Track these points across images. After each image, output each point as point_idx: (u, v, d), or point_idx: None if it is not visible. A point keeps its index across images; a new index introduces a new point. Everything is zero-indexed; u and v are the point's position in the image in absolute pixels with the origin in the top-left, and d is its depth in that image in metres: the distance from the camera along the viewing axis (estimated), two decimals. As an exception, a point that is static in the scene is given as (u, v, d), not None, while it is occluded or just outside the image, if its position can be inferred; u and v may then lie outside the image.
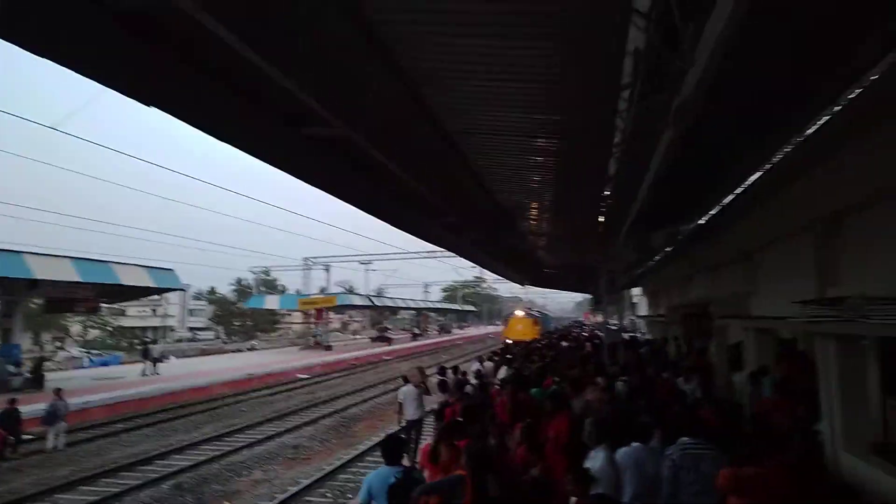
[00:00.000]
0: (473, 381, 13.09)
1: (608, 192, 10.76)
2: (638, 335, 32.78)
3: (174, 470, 13.01)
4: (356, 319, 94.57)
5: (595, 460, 4.99)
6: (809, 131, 8.68)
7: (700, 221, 14.48)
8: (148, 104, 5.82)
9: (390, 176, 9.78)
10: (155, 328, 76.06)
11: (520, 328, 41.22)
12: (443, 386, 11.63)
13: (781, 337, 11.92)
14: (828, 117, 8.30)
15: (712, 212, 14.19)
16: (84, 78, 5.24)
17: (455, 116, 8.07)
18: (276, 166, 8.60)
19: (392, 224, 13.85)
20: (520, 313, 45.84)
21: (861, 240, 7.72)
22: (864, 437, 6.58)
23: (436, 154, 9.57)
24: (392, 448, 5.29)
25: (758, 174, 11.00)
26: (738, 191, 12.10)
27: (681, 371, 12.03)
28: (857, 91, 7.21)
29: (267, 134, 7.72)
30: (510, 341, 32.82)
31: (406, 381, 12.93)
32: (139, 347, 40.77)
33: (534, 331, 40.39)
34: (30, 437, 15.57)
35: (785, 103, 7.44)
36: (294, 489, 11.59)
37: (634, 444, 5.36)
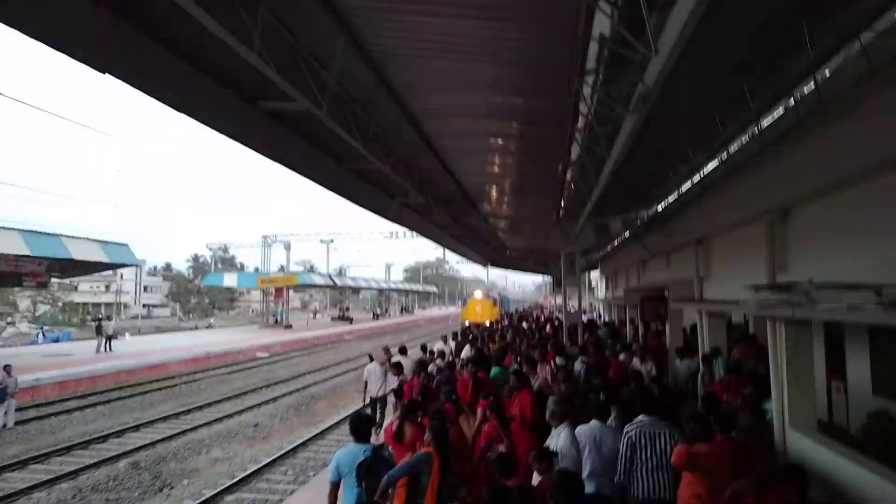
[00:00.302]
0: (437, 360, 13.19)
1: (570, 177, 10.91)
2: (595, 317, 33.45)
3: (130, 448, 12.80)
4: (316, 299, 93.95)
5: (557, 438, 5.14)
6: (764, 124, 9.01)
7: (657, 208, 14.86)
8: (104, 71, 5.65)
9: (353, 154, 9.73)
10: (108, 304, 74.06)
11: (478, 310, 39.38)
12: (397, 368, 11.67)
13: (732, 320, 12.39)
14: (781, 112, 8.64)
15: (669, 199, 14.57)
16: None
17: (418, 96, 8.10)
18: (234, 139, 8.46)
19: (354, 202, 13.79)
20: (479, 295, 43.11)
21: (809, 229, 8.06)
22: (810, 416, 6.90)
23: (399, 134, 9.58)
24: (360, 426, 5.33)
25: (713, 164, 11.35)
26: (695, 179, 12.45)
27: (636, 352, 12.35)
28: (809, 89, 7.52)
29: (225, 106, 7.60)
30: (468, 323, 32.71)
31: (371, 359, 13.01)
32: (92, 324, 39.70)
33: (493, 313, 38.81)
34: (-24, 414, 15.11)
35: (741, 96, 7.67)
36: (254, 467, 11.56)
37: (593, 422, 5.53)
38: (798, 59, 7.21)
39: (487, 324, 28.69)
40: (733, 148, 10.34)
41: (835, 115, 6.30)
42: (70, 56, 5.33)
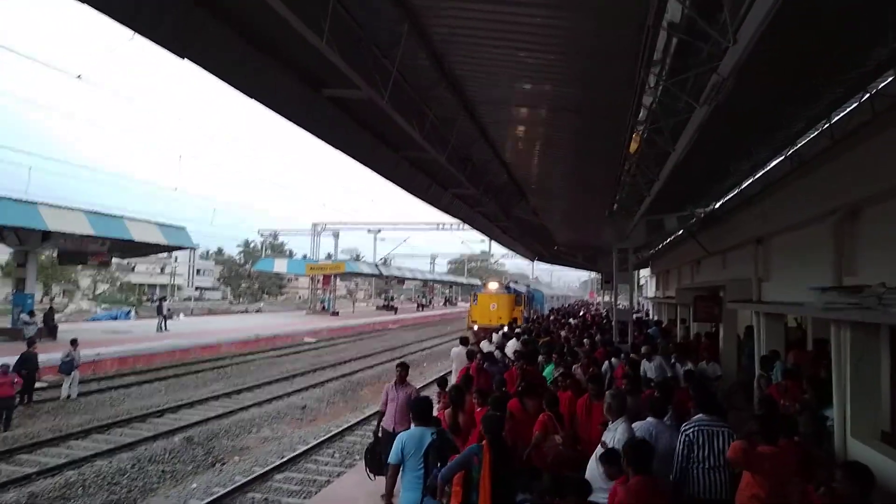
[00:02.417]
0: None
1: (626, 171, 10.71)
2: (643, 316, 32.84)
3: (185, 424, 13.31)
4: (362, 287, 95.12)
5: (615, 432, 5.09)
6: (836, 118, 8.64)
7: (715, 205, 14.46)
8: (182, 56, 5.85)
9: (409, 142, 9.80)
10: (163, 286, 76.76)
11: (493, 308, 28.88)
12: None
13: (788, 324, 12.00)
14: (856, 105, 8.27)
15: (728, 196, 14.16)
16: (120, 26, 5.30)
17: (476, 85, 8.07)
18: (297, 124, 8.61)
19: (408, 190, 13.85)
20: (494, 286, 31.59)
21: (880, 231, 7.71)
22: (873, 424, 6.66)
23: (455, 123, 9.58)
24: (423, 409, 5.39)
25: (779, 159, 10.96)
26: (757, 175, 12.06)
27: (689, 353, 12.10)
28: (889, 79, 7.17)
29: (291, 92, 7.76)
30: (476, 327, 26.31)
31: (463, 342, 12.98)
32: (150, 304, 41.20)
33: (513, 313, 28.61)
34: (44, 384, 15.90)
35: (815, 87, 7.37)
36: (302, 447, 11.84)
37: (649, 419, 5.46)
38: (875, 52, 6.90)
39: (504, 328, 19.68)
40: (800, 143, 9.98)
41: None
42: (149, 39, 5.55)
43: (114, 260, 36.24)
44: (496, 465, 4.59)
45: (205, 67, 6.30)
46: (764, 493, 4.39)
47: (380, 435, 7.57)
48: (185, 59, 5.90)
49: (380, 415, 7.82)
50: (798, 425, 5.83)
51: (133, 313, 46.08)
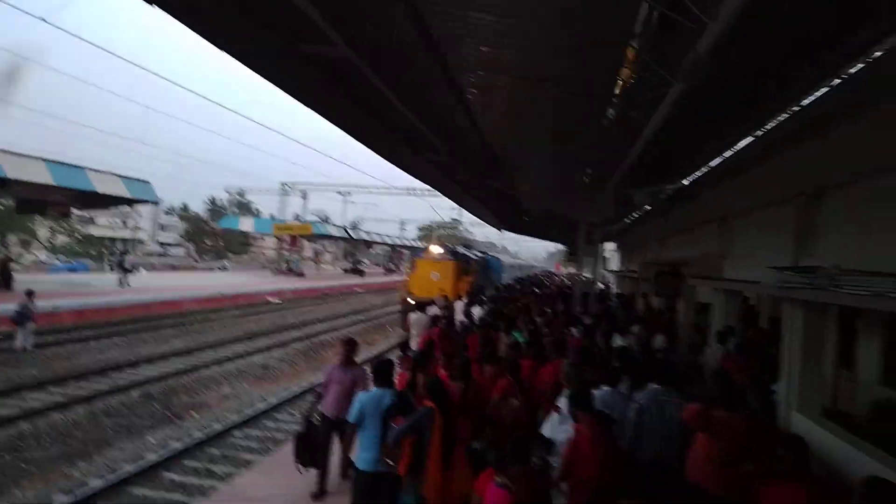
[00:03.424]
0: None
1: (600, 144, 10.75)
2: (605, 289, 33.35)
3: (143, 379, 13.15)
4: (329, 250, 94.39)
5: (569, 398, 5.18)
6: (805, 102, 8.75)
7: (684, 182, 14.64)
8: (151, 2, 5.60)
9: (386, 105, 9.64)
10: (125, 240, 74.98)
11: (435, 278, 23.24)
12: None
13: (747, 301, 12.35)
14: (827, 90, 8.37)
15: (697, 173, 14.34)
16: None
17: (455, 50, 7.93)
18: (270, 80, 8.38)
19: (382, 155, 13.71)
20: (436, 251, 25.41)
21: (841, 215, 7.91)
22: (817, 401, 6.92)
23: (433, 87, 9.44)
24: (383, 371, 5.41)
25: (748, 139, 11.10)
26: (727, 154, 12.21)
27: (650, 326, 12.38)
28: (858, 67, 7.26)
29: (264, 46, 7.50)
30: (412, 300, 20.13)
31: (420, 308, 13.15)
32: (111, 258, 40.26)
33: (459, 284, 23.26)
34: (-3, 335, 15.52)
35: (786, 71, 7.45)
36: (262, 406, 11.85)
37: (604, 388, 5.59)
38: (853, 38, 6.97)
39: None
40: (771, 125, 10.11)
41: (886, 98, 6.12)
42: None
43: (74, 212, 35.24)
44: (446, 430, 4.66)
45: (174, 15, 6.04)
46: (717, 456, 4.57)
47: (316, 422, 6.53)
48: (154, 5, 5.64)
49: (317, 397, 6.76)
50: (747, 399, 6.02)
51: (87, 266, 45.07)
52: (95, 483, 7.88)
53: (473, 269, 25.53)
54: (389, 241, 71.86)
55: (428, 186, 23.03)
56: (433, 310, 12.86)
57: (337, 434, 6.38)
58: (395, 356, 7.64)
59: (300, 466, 6.33)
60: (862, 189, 7.15)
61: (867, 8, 5.26)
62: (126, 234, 76.83)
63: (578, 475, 4.24)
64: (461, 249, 27.71)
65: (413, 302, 19.52)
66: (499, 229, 40.26)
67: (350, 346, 6.77)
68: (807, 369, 6.95)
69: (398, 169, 15.79)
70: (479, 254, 32.34)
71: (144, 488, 7.97)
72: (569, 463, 4.34)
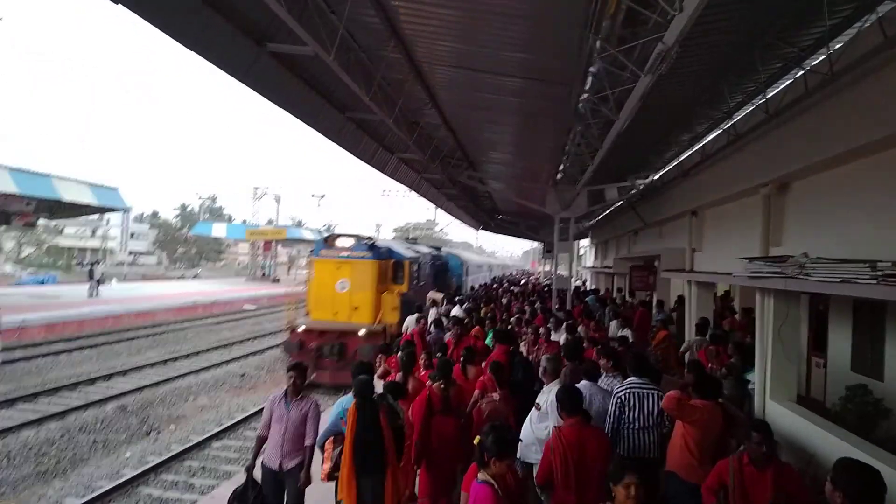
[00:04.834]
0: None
1: (571, 139, 10.83)
2: (581, 285, 33.61)
3: (118, 392, 12.85)
4: (304, 254, 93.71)
5: (549, 394, 5.20)
6: (771, 93, 8.94)
7: (654, 177, 14.85)
8: (116, 1, 5.48)
9: (356, 104, 9.63)
10: (94, 250, 73.48)
11: (341, 289, 14.23)
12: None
13: (718, 293, 12.56)
14: (790, 81, 8.57)
15: (667, 168, 14.56)
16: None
17: (425, 47, 7.93)
18: (238, 79, 8.26)
19: (353, 153, 13.63)
20: (345, 244, 14.53)
21: (806, 203, 8.09)
22: (790, 388, 7.08)
23: (403, 85, 9.42)
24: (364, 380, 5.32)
25: (715, 133, 11.31)
26: (695, 148, 12.42)
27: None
28: (822, 57, 7.44)
29: (232, 44, 7.40)
30: (304, 328, 13.51)
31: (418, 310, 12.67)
32: (78, 268, 39.44)
33: (386, 297, 14.59)
34: (-37, 352, 15.08)
35: (753, 61, 7.58)
36: (241, 415, 11.68)
37: (583, 382, 5.62)
38: (812, 29, 7.13)
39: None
40: (736, 117, 10.31)
41: (846, 87, 6.27)
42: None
43: (41, 221, 34.42)
44: (360, 427, 4.66)
45: (140, 14, 5.93)
46: (693, 443, 4.64)
47: (254, 476, 5.16)
48: (119, 4, 5.53)
49: (259, 442, 5.24)
50: (723, 387, 6.11)
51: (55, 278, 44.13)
52: (71, 502, 7.70)
53: (406, 272, 15.68)
54: (365, 244, 71.41)
55: (403, 187, 22.97)
56: (432, 314, 12.66)
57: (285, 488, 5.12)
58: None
59: None
60: (826, 177, 7.32)
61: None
62: (95, 243, 75.35)
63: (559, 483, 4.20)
64: (392, 245, 16.96)
65: (301, 330, 13.40)
66: (476, 229, 40.12)
67: (299, 372, 5.30)
68: (780, 357, 7.11)
69: (374, 169, 15.72)
70: (428, 249, 22.98)
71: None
72: (547, 472, 4.30)
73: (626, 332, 10.23)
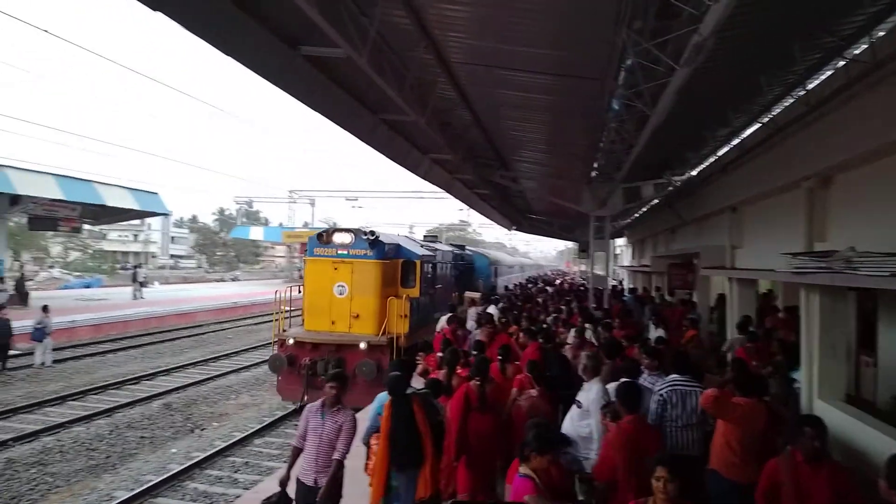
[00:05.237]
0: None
1: (605, 136, 10.74)
2: (618, 286, 33.16)
3: (163, 390, 13.27)
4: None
5: (589, 392, 5.19)
6: (811, 85, 8.72)
7: (692, 173, 14.60)
8: (155, 9, 5.66)
9: (388, 104, 9.70)
10: (136, 253, 75.64)
11: (339, 293, 12.27)
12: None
13: (760, 291, 12.28)
14: (832, 72, 8.34)
15: (705, 164, 14.30)
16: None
17: (456, 46, 7.97)
18: (273, 83, 8.40)
19: (386, 155, 13.69)
20: (342, 240, 12.37)
21: (851, 197, 7.86)
22: (838, 387, 6.89)
23: (435, 85, 9.48)
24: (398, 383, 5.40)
25: (754, 128, 11.07)
26: (734, 143, 12.18)
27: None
28: (864, 46, 7.23)
29: (267, 48, 7.55)
30: (294, 342, 11.91)
31: (451, 309, 12.80)
32: (122, 271, 40.56)
33: (392, 302, 12.03)
34: (17, 352, 15.67)
35: (792, 52, 7.41)
36: (281, 413, 11.90)
37: (624, 380, 5.58)
38: (853, 17, 6.94)
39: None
40: (776, 111, 10.08)
41: (890, 76, 6.08)
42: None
43: (86, 227, 35.57)
44: (394, 422, 4.76)
45: (178, 21, 6.10)
46: (735, 441, 4.57)
47: (287, 490, 4.87)
48: (158, 11, 5.71)
49: (294, 453, 5.01)
50: (769, 386, 6.00)
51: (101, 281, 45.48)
52: (121, 495, 7.95)
53: (425, 272, 13.90)
54: (398, 244, 71.75)
55: (437, 189, 22.99)
56: (471, 315, 12.50)
57: None
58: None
59: None
60: (871, 169, 7.10)
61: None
62: (137, 247, 77.52)
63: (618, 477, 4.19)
64: (402, 242, 14.29)
65: (291, 343, 11.77)
66: (508, 229, 39.88)
67: (340, 382, 5.01)
68: (827, 355, 6.93)
69: (406, 171, 15.80)
70: (449, 247, 20.95)
71: (170, 498, 8.03)
72: (610, 469, 4.27)
73: (660, 332, 10.11)
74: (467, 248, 26.41)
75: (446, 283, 17.27)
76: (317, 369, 11.17)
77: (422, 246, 15.51)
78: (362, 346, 11.34)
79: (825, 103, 7.69)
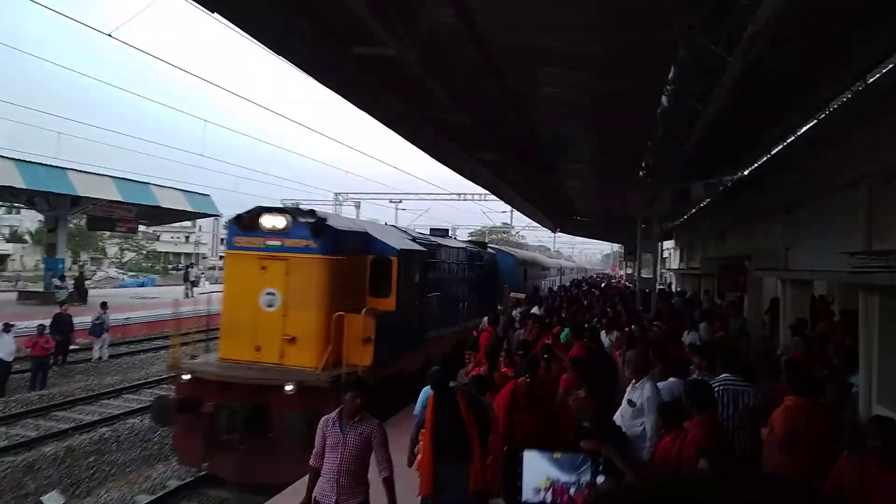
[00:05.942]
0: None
1: (655, 135, 10.55)
2: (666, 288, 32.52)
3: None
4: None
5: (641, 390, 5.11)
6: (872, 78, 8.38)
7: (744, 172, 14.21)
8: (212, 10, 5.86)
9: (435, 103, 9.74)
10: (187, 254, 77.97)
11: (270, 306, 8.41)
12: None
13: (815, 294, 11.85)
14: (892, 66, 8.00)
15: (757, 163, 13.89)
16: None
17: (504, 44, 7.95)
18: (324, 83, 8.57)
19: (433, 155, 13.79)
20: (276, 224, 8.57)
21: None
22: (901, 392, 6.60)
23: (481, 82, 9.48)
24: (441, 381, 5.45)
25: (812, 123, 10.69)
26: (789, 140, 11.79)
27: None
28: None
29: (319, 49, 7.70)
30: (188, 377, 8.27)
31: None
32: (176, 271, 41.76)
33: (352, 335, 8.18)
34: (76, 346, 16.35)
35: (850, 45, 7.15)
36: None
37: (672, 379, 5.50)
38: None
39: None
40: (833, 106, 9.72)
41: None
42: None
43: (140, 229, 36.89)
44: (437, 416, 4.79)
45: (233, 21, 6.29)
46: (789, 442, 4.39)
47: None
48: (215, 13, 5.90)
49: (312, 473, 4.42)
50: (825, 390, 5.80)
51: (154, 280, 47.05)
52: (172, 484, 8.21)
53: (407, 275, 10.23)
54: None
55: (480, 190, 22.95)
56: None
57: None
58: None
59: None
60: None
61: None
62: (188, 248, 79.87)
63: None
64: (361, 224, 11.88)
65: (187, 380, 8.24)
66: (552, 231, 39.43)
67: (358, 389, 4.41)
68: (887, 359, 6.65)
69: (452, 172, 15.86)
70: (461, 243, 17.30)
71: (219, 489, 8.24)
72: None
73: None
74: (490, 245, 22.73)
75: (453, 289, 13.68)
76: (220, 422, 7.57)
77: (413, 239, 11.84)
78: (288, 388, 7.65)
79: (884, 98, 7.40)
